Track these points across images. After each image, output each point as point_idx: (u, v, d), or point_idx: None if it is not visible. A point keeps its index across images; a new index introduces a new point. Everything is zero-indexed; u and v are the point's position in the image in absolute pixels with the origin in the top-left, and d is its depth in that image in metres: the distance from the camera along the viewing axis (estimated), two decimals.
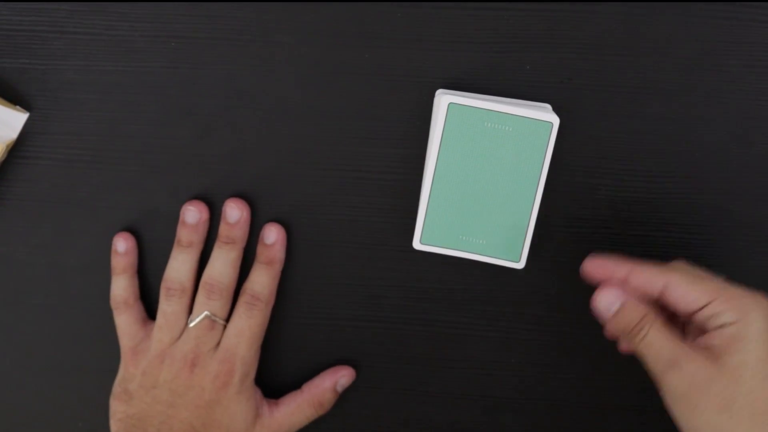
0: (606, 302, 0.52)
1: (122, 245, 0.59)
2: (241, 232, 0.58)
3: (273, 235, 0.59)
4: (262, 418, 0.59)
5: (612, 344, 0.60)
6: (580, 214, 0.59)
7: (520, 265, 0.57)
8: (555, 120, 0.54)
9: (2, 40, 0.58)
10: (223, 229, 0.58)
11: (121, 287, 0.59)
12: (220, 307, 0.58)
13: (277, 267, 0.59)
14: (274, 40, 0.58)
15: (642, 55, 0.58)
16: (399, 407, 0.62)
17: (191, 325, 0.58)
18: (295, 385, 0.61)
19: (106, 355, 0.61)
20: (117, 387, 0.59)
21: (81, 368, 0.61)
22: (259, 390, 0.60)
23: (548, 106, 0.57)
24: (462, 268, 0.60)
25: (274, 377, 0.61)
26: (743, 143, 0.58)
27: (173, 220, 0.59)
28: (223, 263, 0.58)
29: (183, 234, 0.58)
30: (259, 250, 0.59)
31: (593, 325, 0.60)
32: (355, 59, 0.58)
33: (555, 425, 0.61)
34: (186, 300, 0.58)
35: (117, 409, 0.58)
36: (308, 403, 0.60)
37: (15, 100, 0.58)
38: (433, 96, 0.58)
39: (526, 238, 0.56)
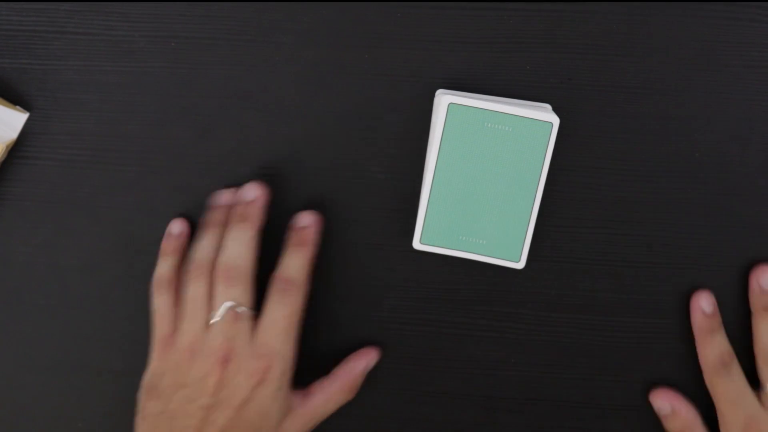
0: (659, 404, 0.60)
1: (177, 227, 0.58)
2: (256, 211, 0.56)
3: (307, 219, 0.57)
4: (295, 410, 0.56)
5: (613, 345, 0.60)
6: (580, 214, 0.59)
7: (520, 265, 0.57)
8: (555, 120, 0.54)
9: (2, 40, 0.58)
10: (237, 209, 0.56)
11: (168, 266, 0.57)
12: (241, 293, 0.54)
13: (310, 249, 0.56)
14: (274, 40, 0.58)
15: (642, 55, 0.58)
16: (399, 407, 0.62)
17: (214, 320, 0.54)
18: (295, 385, 0.61)
19: (106, 355, 0.61)
20: (146, 382, 0.56)
21: (80, 368, 0.61)
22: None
23: (548, 106, 0.57)
24: (462, 268, 0.60)
25: None
26: (743, 143, 0.58)
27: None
28: (237, 243, 0.55)
29: (212, 217, 0.57)
30: (291, 235, 0.57)
31: (593, 325, 0.60)
32: (355, 59, 0.58)
33: (555, 425, 0.61)
34: (209, 282, 0.55)
35: (145, 405, 0.55)
36: (341, 389, 0.58)
37: (15, 100, 0.58)
38: (433, 96, 0.58)
39: (526, 239, 0.56)
